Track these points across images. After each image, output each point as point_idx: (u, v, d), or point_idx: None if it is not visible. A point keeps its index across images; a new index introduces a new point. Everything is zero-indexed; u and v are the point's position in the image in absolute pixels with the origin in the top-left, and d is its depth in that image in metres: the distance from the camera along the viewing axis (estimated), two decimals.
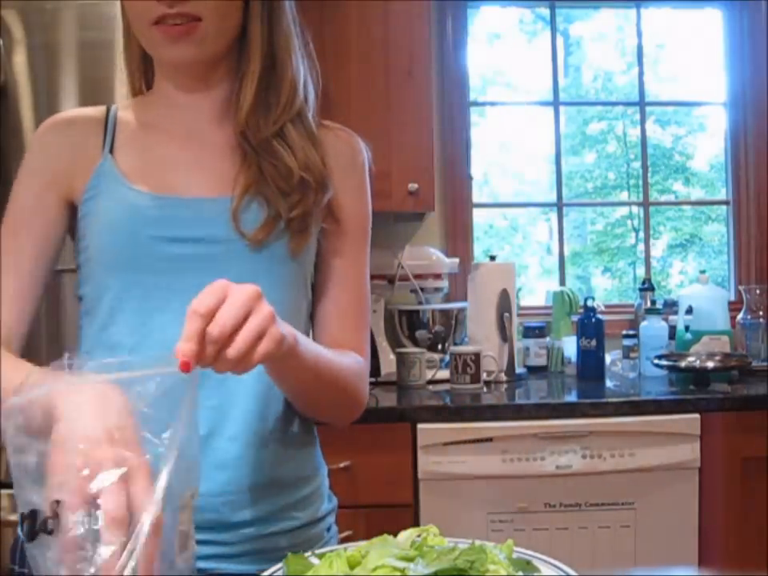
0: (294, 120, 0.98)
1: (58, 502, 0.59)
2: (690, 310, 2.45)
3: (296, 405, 0.98)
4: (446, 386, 2.25)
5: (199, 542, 0.83)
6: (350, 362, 0.99)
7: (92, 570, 0.57)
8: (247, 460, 0.94)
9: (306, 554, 0.73)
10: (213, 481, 0.91)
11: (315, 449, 1.07)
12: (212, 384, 0.90)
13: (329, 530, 1.06)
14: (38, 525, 0.58)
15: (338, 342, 1.00)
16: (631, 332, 2.46)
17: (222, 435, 0.93)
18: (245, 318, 0.71)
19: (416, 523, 1.90)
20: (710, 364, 2.22)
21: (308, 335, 1.03)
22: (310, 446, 1.05)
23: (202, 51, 0.93)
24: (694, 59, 3.20)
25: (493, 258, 2.50)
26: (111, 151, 0.98)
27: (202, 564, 0.90)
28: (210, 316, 0.69)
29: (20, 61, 1.93)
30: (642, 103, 3.06)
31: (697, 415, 2.01)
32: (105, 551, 0.57)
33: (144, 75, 1.05)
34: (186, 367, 0.66)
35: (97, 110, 1.04)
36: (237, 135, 0.98)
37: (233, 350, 0.70)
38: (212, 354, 0.69)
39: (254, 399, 0.95)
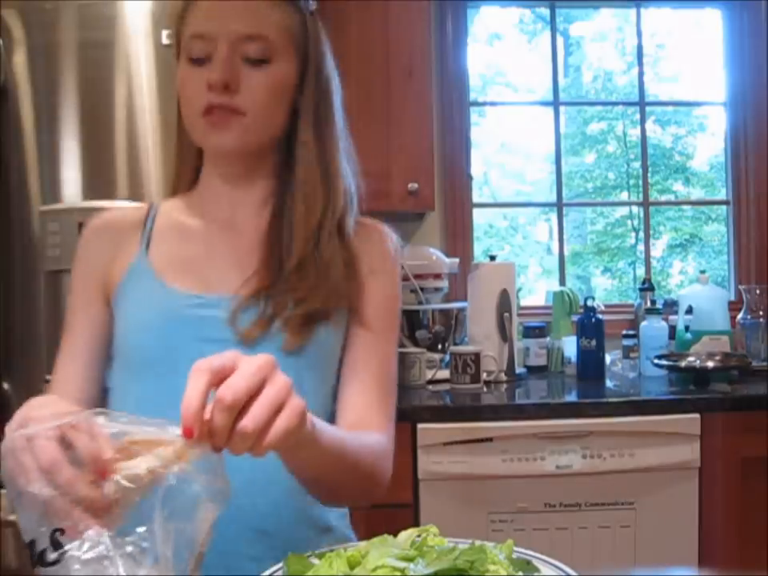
0: (332, 230, 1.01)
1: (57, 531, 0.59)
2: (689, 310, 2.45)
3: (314, 493, 0.93)
4: (446, 386, 2.25)
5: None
6: (371, 442, 0.95)
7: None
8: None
9: (306, 554, 0.73)
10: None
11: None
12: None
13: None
14: (35, 556, 0.58)
15: (362, 421, 0.98)
16: (631, 332, 2.45)
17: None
18: (260, 387, 0.64)
19: (416, 523, 1.90)
20: (710, 364, 2.22)
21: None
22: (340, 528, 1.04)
23: (244, 142, 0.98)
24: (694, 59, 3.20)
25: (493, 257, 2.50)
26: (148, 247, 1.02)
27: None
28: (217, 376, 0.63)
29: (20, 61, 1.92)
30: (642, 103, 3.06)
31: (697, 415, 2.01)
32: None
33: (192, 169, 1.08)
34: (188, 434, 0.61)
35: (139, 209, 1.09)
36: (270, 231, 1.01)
37: (250, 422, 0.62)
38: (224, 425, 0.62)
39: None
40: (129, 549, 0.60)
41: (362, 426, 0.97)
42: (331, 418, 1.01)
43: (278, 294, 0.97)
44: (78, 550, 0.59)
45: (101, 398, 1.02)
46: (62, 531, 0.59)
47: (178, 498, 0.62)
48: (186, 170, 1.09)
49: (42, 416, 0.65)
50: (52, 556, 0.58)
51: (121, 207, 1.11)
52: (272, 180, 1.04)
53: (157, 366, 0.95)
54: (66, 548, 0.59)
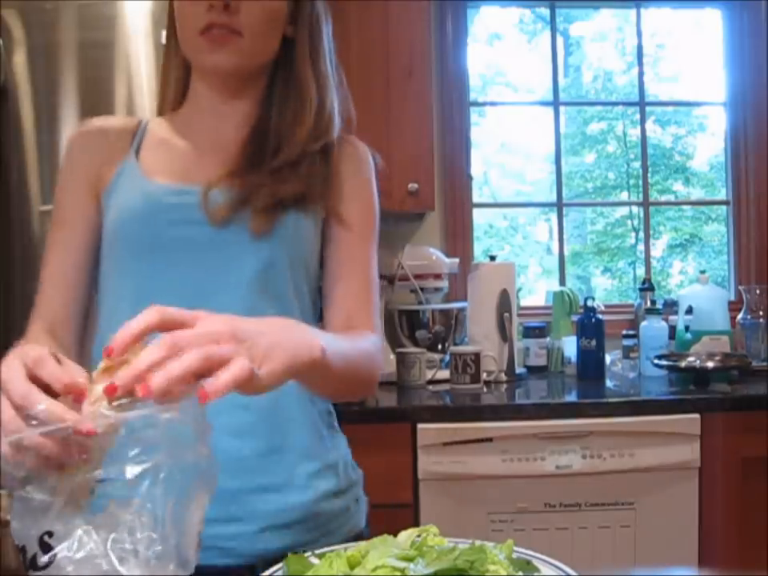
0: (315, 140, 1.07)
1: (45, 534, 0.59)
2: (689, 310, 2.45)
3: (314, 394, 1.00)
4: (446, 386, 2.25)
5: (227, 520, 0.94)
6: (367, 346, 1.00)
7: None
8: (261, 427, 0.98)
9: (306, 554, 0.73)
10: (230, 449, 0.95)
11: (333, 420, 1.10)
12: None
13: (357, 500, 1.09)
14: (27, 561, 0.58)
15: (352, 321, 1.04)
16: (631, 332, 2.46)
17: (235, 404, 0.94)
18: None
19: (416, 523, 1.90)
20: (710, 364, 2.22)
21: (314, 315, 1.09)
22: (327, 416, 1.08)
23: (238, 62, 1.03)
24: (694, 59, 3.20)
25: (493, 257, 2.50)
26: (137, 154, 1.07)
27: (231, 544, 0.95)
28: (168, 323, 0.64)
29: (20, 61, 1.93)
30: (641, 103, 3.06)
31: (697, 415, 2.01)
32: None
33: (177, 90, 1.13)
34: (108, 352, 0.61)
35: (129, 120, 1.15)
36: (250, 137, 1.07)
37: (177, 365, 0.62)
38: (151, 360, 0.61)
39: None
40: (119, 545, 0.60)
41: (352, 325, 1.03)
42: (313, 307, 1.08)
43: (250, 181, 1.02)
44: (69, 551, 0.59)
45: (93, 287, 1.07)
46: (51, 534, 0.59)
47: (174, 474, 0.61)
48: (171, 92, 1.14)
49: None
50: (43, 559, 0.58)
51: (110, 116, 1.16)
52: (257, 101, 1.10)
53: (139, 252, 1.00)
54: (56, 550, 0.59)
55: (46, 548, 0.58)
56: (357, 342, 0.98)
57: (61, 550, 0.59)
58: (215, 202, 1.00)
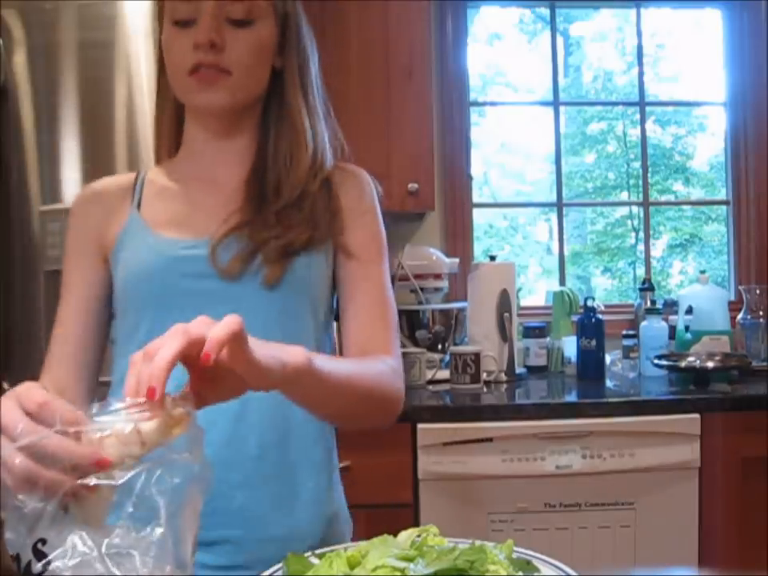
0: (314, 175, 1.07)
1: (39, 541, 0.59)
2: (689, 310, 2.45)
3: (327, 421, 1.00)
4: (446, 386, 2.25)
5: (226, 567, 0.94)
6: (381, 368, 0.99)
7: None
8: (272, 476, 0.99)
9: (306, 554, 0.73)
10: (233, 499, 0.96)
11: (335, 474, 1.09)
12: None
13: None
14: (22, 569, 0.58)
15: (368, 345, 1.03)
16: (631, 332, 2.46)
17: (250, 455, 0.97)
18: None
19: (416, 523, 1.90)
20: (710, 364, 2.22)
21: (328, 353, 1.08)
22: (331, 471, 1.07)
23: (231, 100, 1.03)
24: (694, 59, 3.20)
25: (493, 258, 2.50)
26: (139, 208, 1.07)
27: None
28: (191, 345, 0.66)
29: (20, 61, 1.93)
30: (642, 103, 3.06)
31: (697, 415, 2.01)
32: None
33: (172, 134, 1.13)
34: (151, 395, 0.63)
35: (126, 176, 1.14)
36: (249, 177, 1.07)
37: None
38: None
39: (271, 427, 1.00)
40: (114, 549, 0.60)
41: (369, 349, 1.03)
42: (322, 350, 1.06)
43: (258, 231, 1.01)
44: (63, 558, 0.59)
45: (102, 352, 1.08)
46: (44, 541, 0.59)
47: (166, 487, 0.62)
48: (166, 137, 1.14)
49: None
50: (37, 567, 0.58)
51: (108, 177, 1.16)
52: (251, 137, 1.09)
53: (151, 306, 1.01)
54: (50, 557, 0.58)
55: (39, 555, 0.58)
56: (367, 364, 0.97)
57: (55, 557, 0.58)
58: (224, 257, 1.00)
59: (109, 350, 1.09)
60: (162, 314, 0.99)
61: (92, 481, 0.60)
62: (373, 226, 1.11)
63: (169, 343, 0.64)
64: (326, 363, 0.85)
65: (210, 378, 0.70)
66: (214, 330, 0.66)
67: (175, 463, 0.62)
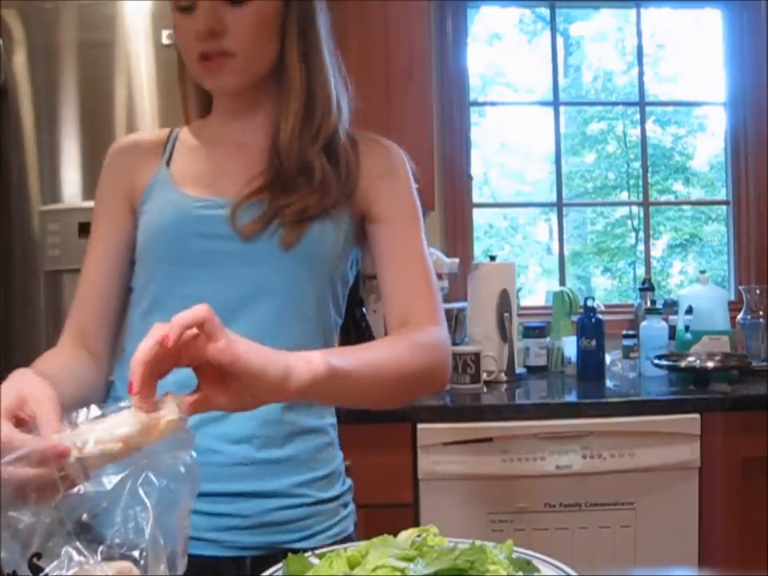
0: (328, 143, 1.07)
1: (34, 556, 0.58)
2: (689, 310, 2.45)
3: (373, 408, 1.00)
4: (446, 386, 2.25)
5: (218, 515, 0.97)
6: (421, 340, 0.98)
7: None
8: (261, 436, 1.00)
9: (306, 554, 0.73)
10: (228, 455, 0.98)
11: (331, 434, 1.10)
12: None
13: (346, 506, 1.10)
14: None
15: (410, 315, 1.02)
16: (631, 332, 2.45)
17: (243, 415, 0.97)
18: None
19: (416, 523, 1.90)
20: (710, 364, 2.22)
21: (334, 332, 1.09)
22: (325, 430, 1.08)
23: (239, 82, 1.04)
24: (694, 59, 3.20)
25: (493, 258, 2.50)
26: (168, 164, 1.09)
27: (220, 536, 0.97)
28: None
29: (20, 61, 1.93)
30: (642, 103, 3.06)
31: (697, 415, 2.01)
32: None
33: (198, 98, 1.15)
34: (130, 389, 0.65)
35: (161, 132, 1.16)
36: (271, 149, 1.07)
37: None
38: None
39: None
40: (109, 554, 0.60)
41: (411, 319, 1.01)
42: (326, 319, 1.07)
43: (277, 196, 1.02)
44: (60, 570, 0.59)
45: (126, 302, 1.10)
46: (39, 556, 0.59)
47: (155, 490, 0.62)
48: (192, 101, 1.15)
49: None
50: None
51: (144, 131, 1.21)
52: (275, 103, 1.08)
53: (167, 263, 1.03)
54: (47, 570, 0.58)
55: (36, 571, 0.58)
56: (403, 342, 0.96)
57: (51, 570, 0.58)
58: (243, 219, 1.01)
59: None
60: (176, 269, 1.02)
61: (81, 489, 0.60)
62: (404, 193, 1.10)
63: (146, 338, 0.66)
64: (347, 359, 0.84)
65: (216, 380, 0.71)
66: (177, 315, 0.67)
67: (163, 465, 0.63)
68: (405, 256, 1.06)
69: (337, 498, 1.07)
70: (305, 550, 0.98)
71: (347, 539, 1.07)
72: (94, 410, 0.65)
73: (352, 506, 1.12)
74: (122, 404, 0.65)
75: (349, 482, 1.13)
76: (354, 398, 0.90)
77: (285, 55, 1.06)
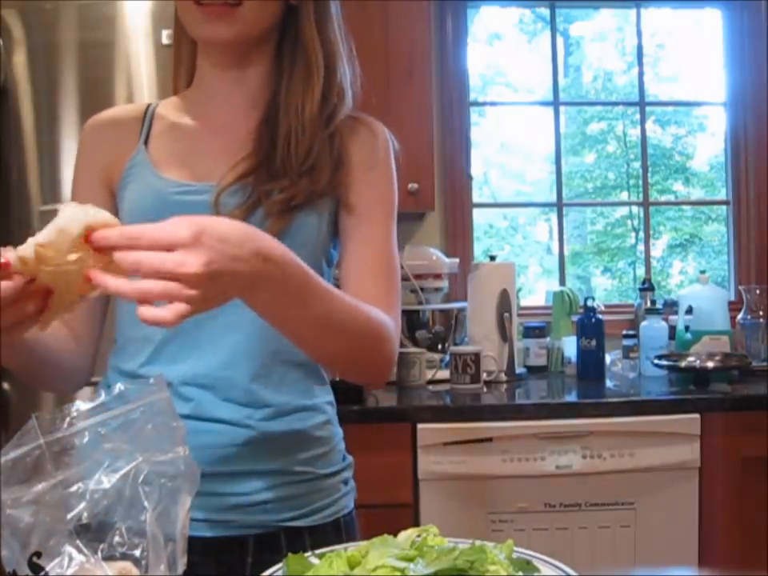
0: (327, 122, 1.03)
1: (34, 555, 0.59)
2: (689, 310, 2.45)
3: (309, 354, 0.96)
4: (446, 386, 2.25)
5: (219, 494, 0.96)
6: (376, 314, 0.96)
7: None
8: (253, 417, 0.99)
9: (306, 554, 0.73)
10: (224, 435, 0.97)
11: (328, 412, 1.09)
12: (214, 347, 0.98)
13: (346, 483, 1.10)
14: None
15: (367, 298, 0.99)
16: (631, 332, 2.45)
17: (231, 399, 0.98)
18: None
19: (416, 523, 1.90)
20: (710, 364, 2.22)
21: None
22: (320, 408, 1.08)
23: (237, 33, 0.98)
24: (694, 59, 3.20)
25: (493, 258, 2.50)
26: (146, 143, 1.05)
27: (220, 516, 0.97)
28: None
29: (20, 61, 1.93)
30: (642, 103, 3.06)
31: (697, 415, 2.01)
32: None
33: (189, 67, 1.10)
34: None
35: (137, 107, 1.12)
36: (262, 123, 1.03)
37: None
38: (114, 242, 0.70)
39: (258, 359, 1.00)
40: (109, 553, 0.60)
41: (365, 299, 0.97)
42: None
43: (263, 182, 0.99)
44: (60, 568, 0.59)
45: None
46: (39, 554, 0.59)
47: (153, 480, 0.62)
48: (182, 72, 1.11)
49: None
50: None
51: (118, 107, 1.15)
52: (263, 73, 1.06)
53: None
54: (47, 569, 0.58)
55: (36, 569, 0.58)
56: (360, 303, 0.93)
57: (51, 569, 0.58)
58: (228, 205, 0.98)
59: None
60: None
61: (81, 489, 0.60)
62: (382, 183, 1.07)
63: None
64: (321, 283, 0.84)
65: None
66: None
67: (162, 464, 0.63)
68: (370, 252, 1.04)
69: (336, 473, 1.07)
70: (306, 528, 1.00)
71: (348, 516, 1.07)
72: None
73: (352, 483, 1.12)
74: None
75: (349, 458, 1.12)
76: (305, 324, 0.86)
77: (299, 24, 1.03)
